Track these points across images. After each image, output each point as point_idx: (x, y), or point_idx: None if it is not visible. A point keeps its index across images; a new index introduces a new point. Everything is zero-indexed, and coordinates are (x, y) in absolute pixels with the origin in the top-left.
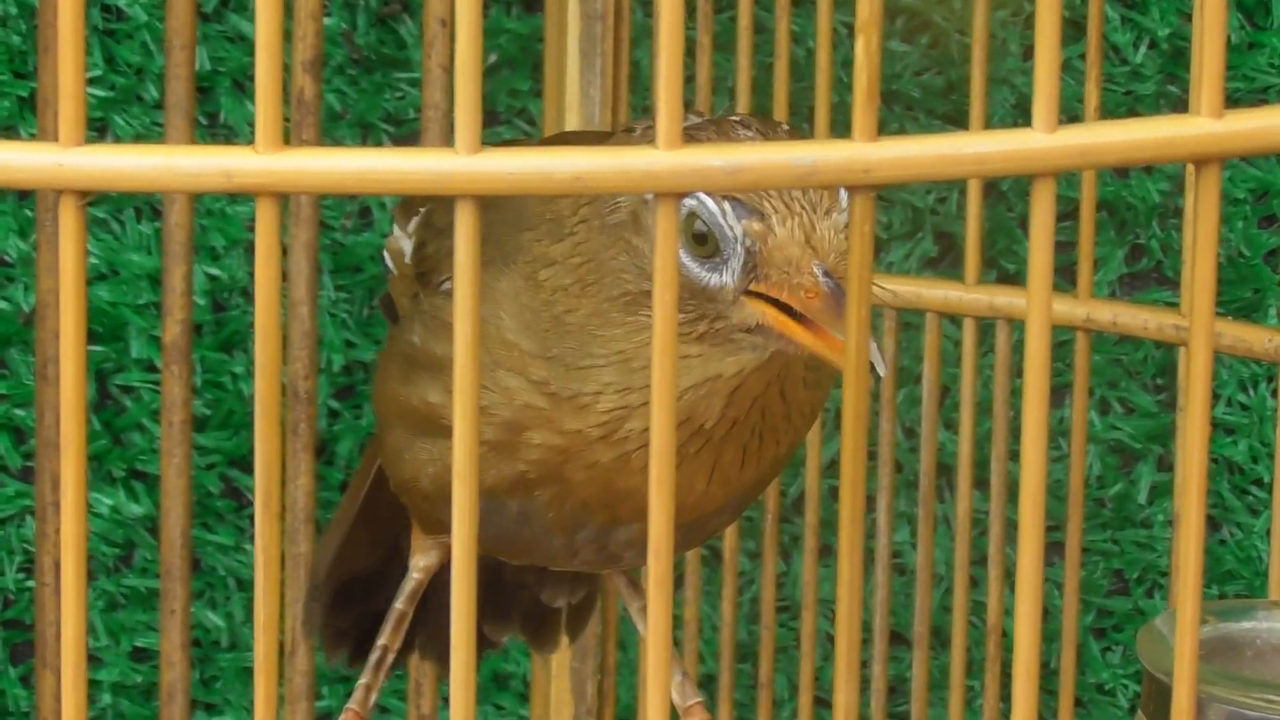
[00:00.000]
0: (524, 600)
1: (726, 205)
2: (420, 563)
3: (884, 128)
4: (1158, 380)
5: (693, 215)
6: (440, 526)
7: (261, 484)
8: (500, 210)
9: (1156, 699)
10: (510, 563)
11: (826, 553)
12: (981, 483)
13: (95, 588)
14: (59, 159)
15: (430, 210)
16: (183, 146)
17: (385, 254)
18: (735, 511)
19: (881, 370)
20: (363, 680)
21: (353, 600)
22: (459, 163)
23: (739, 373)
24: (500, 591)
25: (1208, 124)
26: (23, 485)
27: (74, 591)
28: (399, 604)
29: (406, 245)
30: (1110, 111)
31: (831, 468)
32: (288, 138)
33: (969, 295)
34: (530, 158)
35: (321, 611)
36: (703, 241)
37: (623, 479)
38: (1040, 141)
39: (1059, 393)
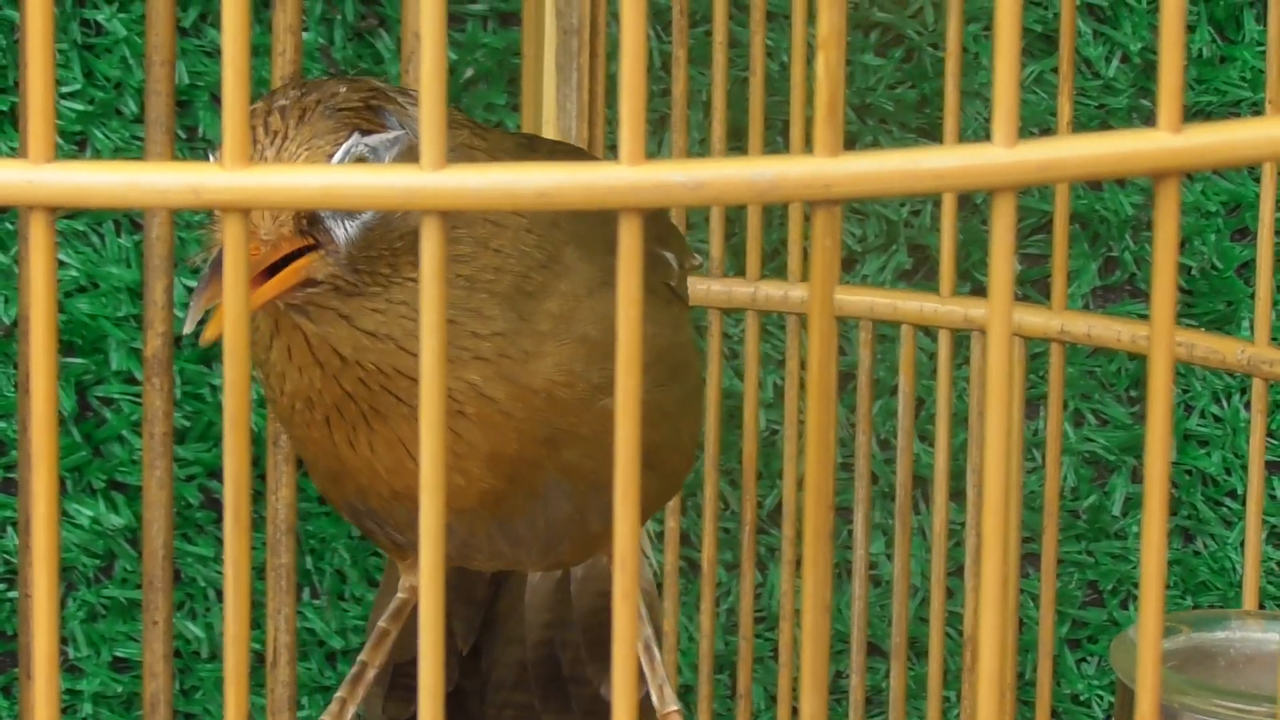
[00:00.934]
0: (584, 696)
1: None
2: (407, 583)
3: (858, 140)
4: (1131, 392)
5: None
6: (398, 551)
7: (231, 496)
8: None
9: (1129, 708)
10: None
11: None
12: (957, 494)
13: (75, 598)
14: (28, 175)
15: None
16: (151, 163)
17: None
18: (570, 495)
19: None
20: (339, 694)
21: (413, 688)
22: (425, 179)
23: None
24: (559, 685)
25: (1167, 138)
26: (5, 497)
27: (46, 597)
28: (383, 622)
29: None
30: (1083, 125)
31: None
32: None
33: (944, 307)
34: (496, 174)
35: (381, 695)
36: None
37: (366, 468)
38: (1000, 156)
39: (1033, 405)
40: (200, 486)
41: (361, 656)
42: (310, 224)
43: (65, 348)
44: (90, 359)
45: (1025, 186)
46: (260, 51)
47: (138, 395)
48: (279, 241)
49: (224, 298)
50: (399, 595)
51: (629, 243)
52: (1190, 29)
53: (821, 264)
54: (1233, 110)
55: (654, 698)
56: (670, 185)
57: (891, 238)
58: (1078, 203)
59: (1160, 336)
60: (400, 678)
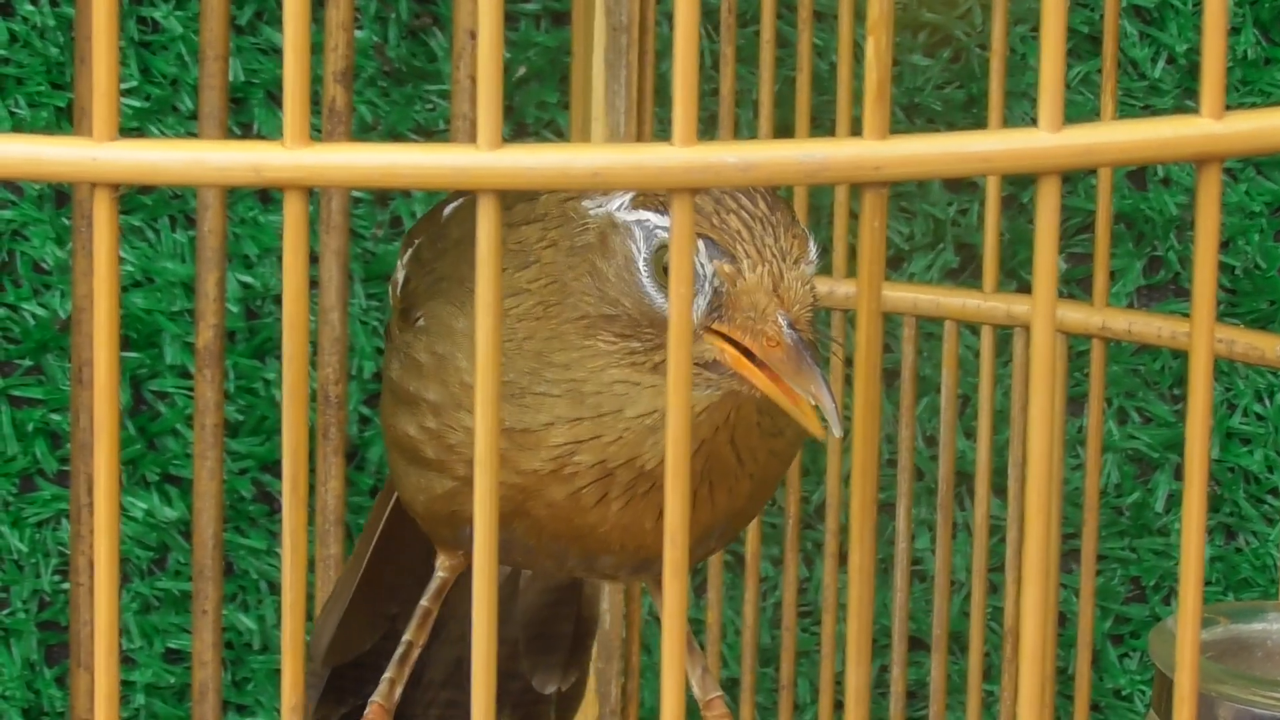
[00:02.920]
0: (515, 689)
1: (700, 243)
2: (446, 561)
3: None
4: (1174, 390)
5: (664, 247)
6: (445, 544)
7: (289, 468)
8: (463, 249)
9: (1167, 697)
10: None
11: (847, 558)
12: (1000, 490)
13: (129, 590)
14: (93, 153)
15: (420, 244)
16: (213, 141)
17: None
18: (721, 538)
19: (836, 430)
20: (388, 675)
21: (346, 691)
22: (481, 158)
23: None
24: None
25: (1208, 124)
26: (59, 489)
27: (106, 582)
28: (425, 601)
29: (400, 274)
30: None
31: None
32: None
33: (987, 303)
34: (549, 153)
35: (314, 699)
36: None
37: (578, 517)
38: (1046, 140)
39: (1077, 402)
40: (253, 480)
41: (407, 636)
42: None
43: (120, 342)
44: (145, 353)
45: (1069, 170)
46: (313, 49)
47: (191, 389)
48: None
49: (284, 274)
50: (438, 575)
51: (681, 221)
52: (1235, 31)
53: (870, 246)
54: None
55: (695, 687)
56: (722, 166)
57: (939, 236)
58: (1122, 203)
59: (1201, 321)
60: (336, 679)
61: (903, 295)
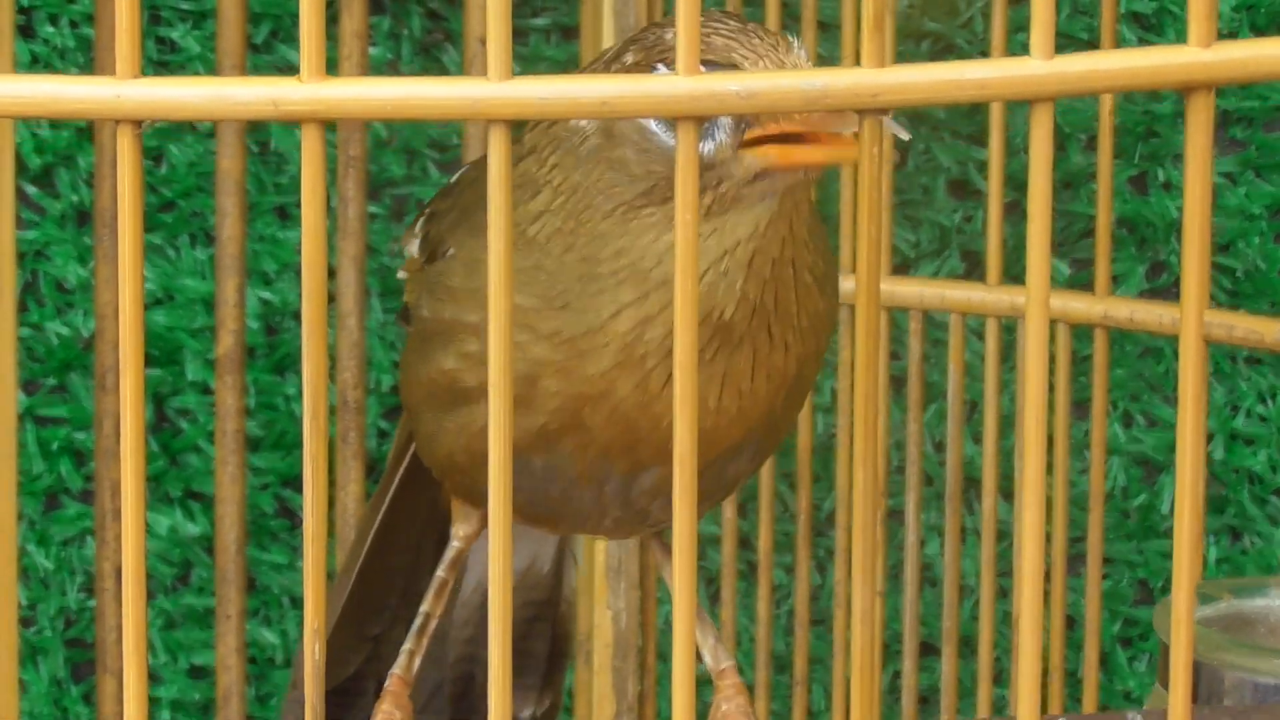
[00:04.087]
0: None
1: (700, 68)
2: (461, 531)
3: (910, 147)
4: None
5: None
6: (483, 497)
7: (310, 422)
8: (476, 188)
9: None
10: (550, 533)
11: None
12: (1008, 494)
13: (153, 606)
14: (116, 90)
15: (432, 201)
16: (232, 78)
17: (400, 275)
18: (754, 455)
19: (904, 134)
20: (407, 646)
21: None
22: (492, 89)
23: (754, 232)
24: (469, 704)
25: (1197, 53)
26: (83, 507)
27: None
28: (441, 571)
29: (414, 245)
30: (1129, 130)
31: None
32: (336, 149)
33: (991, 296)
34: (559, 84)
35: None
36: None
37: (642, 411)
38: (1039, 68)
39: (1082, 406)
40: (275, 495)
41: (424, 608)
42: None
43: (143, 359)
44: (167, 370)
45: (1063, 96)
46: (329, 65)
47: (213, 405)
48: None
49: (303, 211)
50: (454, 544)
51: (687, 149)
52: (1232, 35)
53: (870, 172)
54: (1274, 115)
55: (707, 657)
56: (724, 94)
57: (944, 243)
58: (1124, 207)
59: (1191, 259)
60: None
61: (909, 290)
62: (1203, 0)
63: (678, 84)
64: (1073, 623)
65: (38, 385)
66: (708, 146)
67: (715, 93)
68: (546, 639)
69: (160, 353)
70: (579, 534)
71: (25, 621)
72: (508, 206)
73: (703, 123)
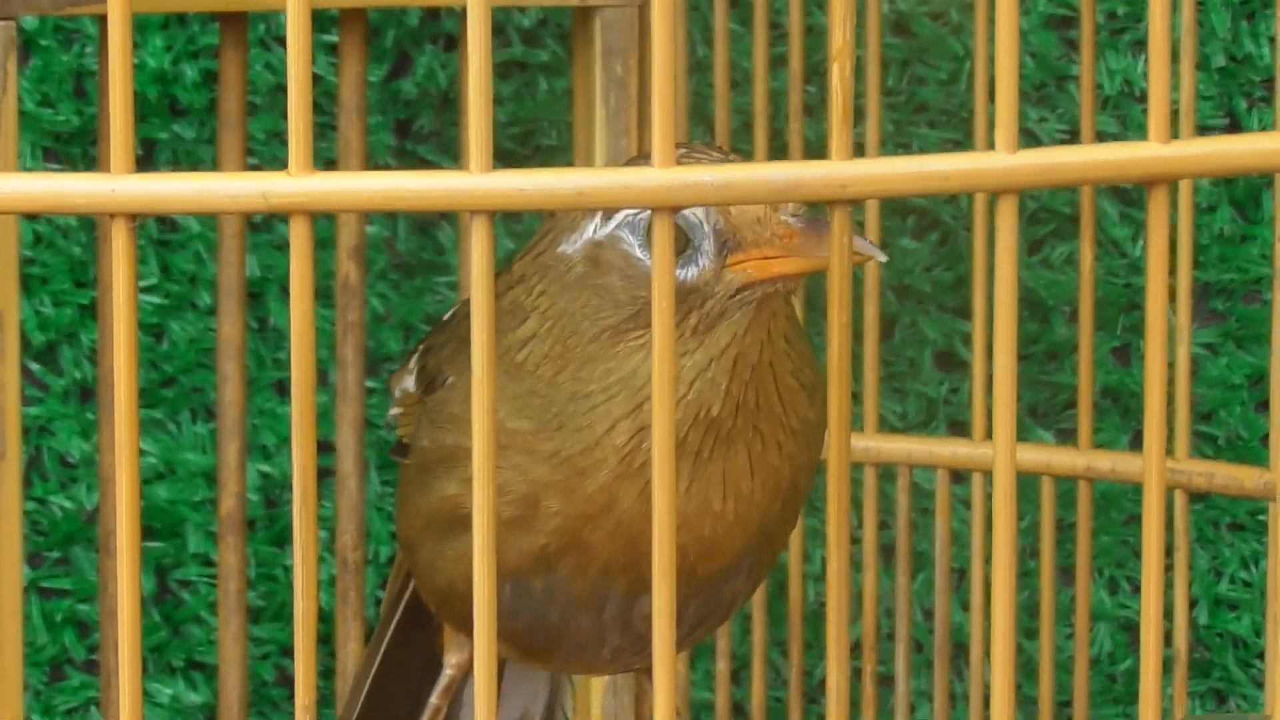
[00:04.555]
0: None
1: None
2: (453, 659)
3: (898, 320)
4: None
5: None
6: (466, 628)
7: (299, 467)
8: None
9: None
10: (545, 668)
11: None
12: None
13: None
14: (111, 185)
15: (426, 337)
16: (223, 173)
17: (390, 417)
18: (751, 571)
19: (881, 255)
20: None
21: None
22: (473, 180)
23: (734, 337)
24: None
25: (1157, 148)
26: (87, 677)
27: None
28: (434, 698)
29: (409, 380)
30: (1111, 302)
31: (855, 651)
32: (335, 323)
33: (977, 450)
34: (538, 176)
35: None
36: None
37: (646, 528)
38: (1002, 161)
39: (1067, 573)
40: (275, 664)
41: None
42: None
43: (145, 532)
44: (169, 543)
45: (1026, 189)
46: (323, 243)
47: (214, 578)
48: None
49: (292, 301)
50: (446, 671)
51: (662, 237)
52: (1212, 209)
53: (840, 261)
54: (1254, 288)
55: None
56: (700, 185)
57: (931, 414)
58: (1107, 378)
59: (1155, 330)
60: None
61: (896, 446)
62: (1160, 98)
63: (654, 175)
64: None
65: (42, 559)
66: (693, 270)
67: (690, 184)
68: None
69: (162, 526)
70: (576, 671)
71: None
72: (490, 299)
73: (676, 212)
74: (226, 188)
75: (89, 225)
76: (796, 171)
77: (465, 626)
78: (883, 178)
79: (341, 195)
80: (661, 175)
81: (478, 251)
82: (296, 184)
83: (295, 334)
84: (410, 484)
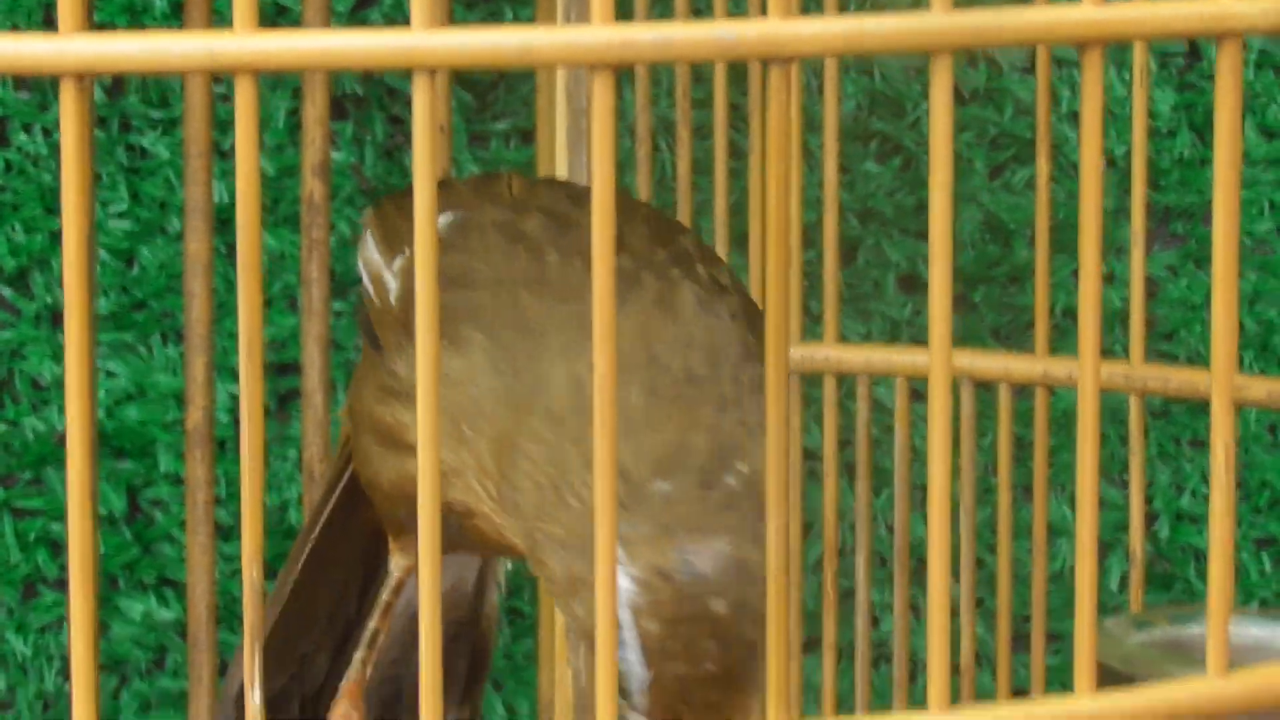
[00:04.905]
0: None
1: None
2: (401, 562)
3: (861, 243)
4: (1122, 475)
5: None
6: (398, 526)
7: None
8: (455, 281)
9: (1104, 684)
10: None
11: (813, 646)
12: (957, 572)
13: (129, 690)
14: (59, 45)
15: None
16: (171, 31)
17: (362, 271)
18: None
19: None
20: (359, 655)
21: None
22: (418, 37)
23: None
24: (394, 716)
25: (1091, 10)
26: (59, 594)
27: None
28: (385, 595)
29: (391, 282)
30: (1071, 224)
31: (817, 567)
32: (300, 234)
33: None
34: (482, 33)
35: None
36: None
37: None
38: (939, 20)
39: (1028, 491)
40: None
41: (372, 624)
42: None
43: (116, 453)
44: (139, 463)
45: (963, 48)
46: (295, 159)
47: (184, 496)
48: None
49: (237, 162)
50: (393, 573)
51: (603, 99)
52: (1172, 134)
53: (779, 120)
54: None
55: None
56: (640, 43)
57: (894, 335)
58: (1069, 299)
59: (1089, 206)
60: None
61: (856, 355)
62: None
63: (595, 33)
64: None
65: (15, 479)
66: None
67: (630, 41)
68: (467, 655)
69: (133, 446)
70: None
71: (3, 706)
72: (432, 157)
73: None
74: (174, 46)
75: (58, 151)
76: (738, 29)
77: (390, 523)
78: (820, 36)
79: (286, 54)
80: (602, 32)
81: (420, 112)
82: (242, 42)
83: (241, 202)
84: (370, 384)
